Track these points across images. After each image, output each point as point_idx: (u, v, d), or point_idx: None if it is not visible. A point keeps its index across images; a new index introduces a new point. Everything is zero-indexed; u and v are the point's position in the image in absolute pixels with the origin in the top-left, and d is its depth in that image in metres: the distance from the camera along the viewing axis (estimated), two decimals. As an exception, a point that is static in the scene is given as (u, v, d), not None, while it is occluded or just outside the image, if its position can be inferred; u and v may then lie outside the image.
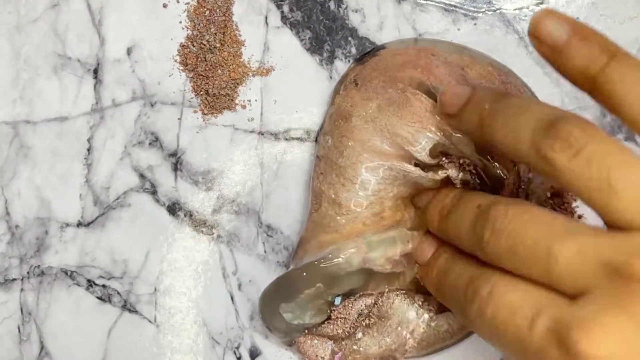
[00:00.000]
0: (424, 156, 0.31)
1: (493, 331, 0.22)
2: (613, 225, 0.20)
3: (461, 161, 0.31)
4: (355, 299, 0.34)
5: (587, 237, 0.20)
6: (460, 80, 0.32)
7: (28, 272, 0.39)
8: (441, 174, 0.31)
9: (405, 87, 0.32)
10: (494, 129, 0.24)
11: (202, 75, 0.37)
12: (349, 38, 0.38)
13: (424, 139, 0.31)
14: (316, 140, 0.37)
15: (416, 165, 0.32)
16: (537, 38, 0.22)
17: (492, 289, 0.22)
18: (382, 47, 0.36)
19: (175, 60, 0.38)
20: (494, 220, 0.22)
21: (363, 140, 0.32)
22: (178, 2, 0.38)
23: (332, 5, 0.38)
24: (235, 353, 0.38)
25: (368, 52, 0.36)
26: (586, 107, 0.37)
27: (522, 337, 0.20)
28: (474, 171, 0.31)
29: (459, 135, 0.30)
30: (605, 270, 0.19)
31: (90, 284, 0.39)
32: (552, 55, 0.22)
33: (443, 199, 0.29)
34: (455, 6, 0.37)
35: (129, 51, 0.38)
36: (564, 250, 0.20)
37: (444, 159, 0.32)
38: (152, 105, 0.38)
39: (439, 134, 0.31)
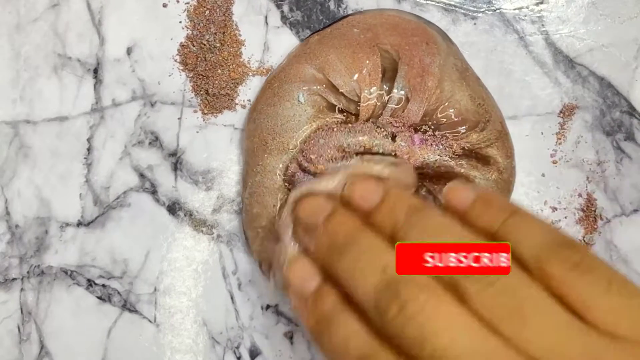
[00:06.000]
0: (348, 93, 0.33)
1: None
2: None
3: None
4: None
5: None
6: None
7: (28, 272, 0.39)
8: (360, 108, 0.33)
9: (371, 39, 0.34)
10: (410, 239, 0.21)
11: (202, 75, 0.37)
12: (349, 38, 0.38)
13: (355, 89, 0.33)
14: None
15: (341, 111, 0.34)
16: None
17: None
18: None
19: (175, 60, 0.38)
20: (403, 302, 0.18)
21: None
22: (178, 2, 0.38)
23: (332, 5, 0.38)
24: (235, 353, 0.38)
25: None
26: (585, 107, 0.37)
27: None
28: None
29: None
30: None
31: (90, 283, 0.39)
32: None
33: (338, 226, 0.23)
34: (455, 6, 0.37)
35: (129, 51, 0.38)
36: None
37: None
38: (152, 105, 0.38)
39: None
